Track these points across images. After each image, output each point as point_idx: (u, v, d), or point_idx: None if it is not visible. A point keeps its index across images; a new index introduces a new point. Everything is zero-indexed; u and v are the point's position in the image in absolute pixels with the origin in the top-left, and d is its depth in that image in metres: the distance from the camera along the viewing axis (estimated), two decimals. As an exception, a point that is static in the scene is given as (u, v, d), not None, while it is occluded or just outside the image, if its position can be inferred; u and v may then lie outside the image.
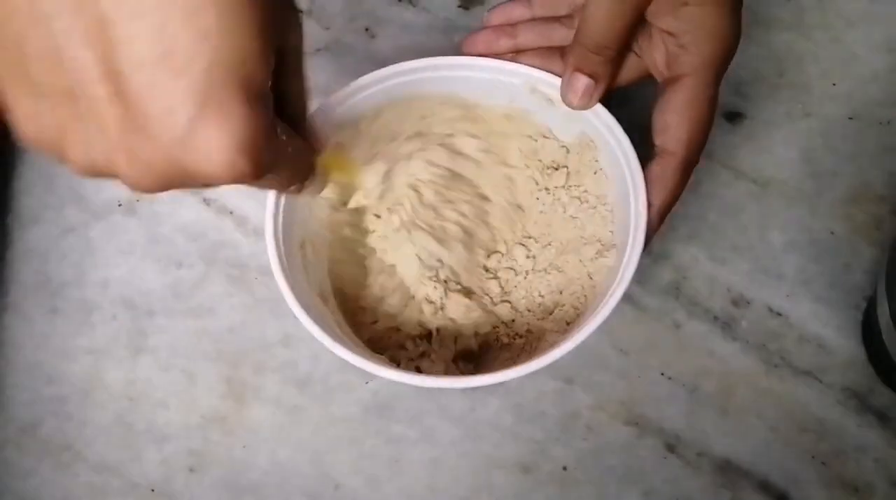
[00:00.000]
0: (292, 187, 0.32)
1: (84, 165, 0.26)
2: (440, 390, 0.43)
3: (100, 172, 0.26)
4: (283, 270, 0.37)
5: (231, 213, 0.47)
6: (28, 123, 0.25)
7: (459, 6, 0.52)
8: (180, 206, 0.47)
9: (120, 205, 0.48)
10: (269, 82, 0.26)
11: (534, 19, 0.43)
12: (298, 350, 0.44)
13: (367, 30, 0.51)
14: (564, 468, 0.42)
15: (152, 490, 0.43)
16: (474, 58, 0.41)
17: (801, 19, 0.50)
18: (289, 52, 0.29)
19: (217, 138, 0.24)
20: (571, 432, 0.43)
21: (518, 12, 0.43)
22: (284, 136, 0.29)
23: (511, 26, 0.42)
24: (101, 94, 0.24)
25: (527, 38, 0.42)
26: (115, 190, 0.48)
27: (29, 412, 0.44)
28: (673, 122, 0.38)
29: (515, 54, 0.41)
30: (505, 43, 0.42)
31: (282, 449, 0.43)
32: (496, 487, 0.42)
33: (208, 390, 0.44)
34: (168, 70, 0.23)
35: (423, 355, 0.41)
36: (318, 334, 0.36)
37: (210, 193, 0.47)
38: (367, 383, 0.44)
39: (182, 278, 0.46)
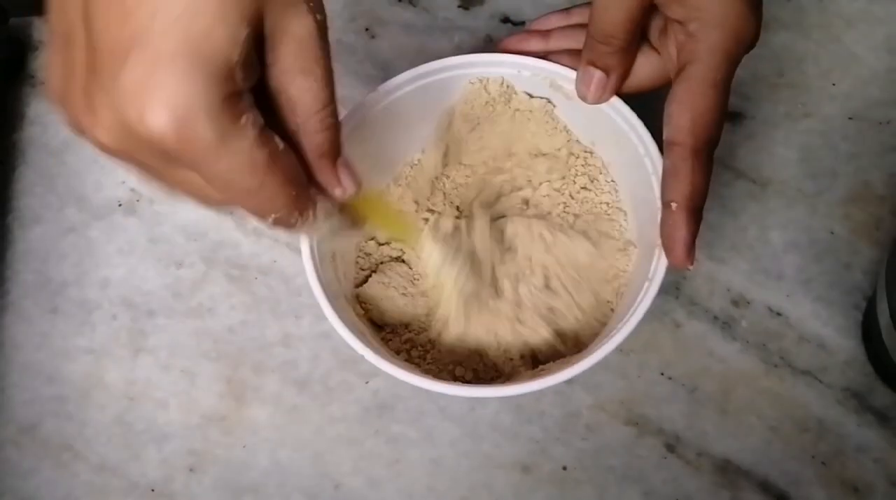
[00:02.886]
0: (276, 216, 0.29)
1: (70, 117, 0.27)
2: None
3: (76, 127, 0.27)
4: (315, 267, 0.38)
5: (231, 213, 0.47)
6: (48, 75, 0.27)
7: (459, 6, 0.52)
8: (180, 206, 0.47)
9: (120, 205, 0.48)
10: (236, 56, 0.25)
11: (570, 26, 0.43)
12: (298, 350, 0.44)
13: (367, 30, 0.51)
14: (564, 468, 0.42)
15: (152, 490, 0.43)
16: (494, 54, 0.42)
17: (800, 19, 0.50)
18: (285, 39, 0.27)
19: (160, 93, 0.24)
20: (571, 432, 0.43)
21: (556, 20, 0.44)
22: (265, 146, 0.27)
23: (546, 31, 0.43)
24: (78, 37, 0.25)
25: (559, 42, 0.42)
26: (115, 190, 0.48)
27: (29, 412, 0.44)
28: (675, 111, 0.37)
29: (546, 55, 0.41)
30: (536, 44, 0.43)
31: (282, 449, 0.43)
32: (496, 487, 0.42)
33: (208, 390, 0.44)
34: (126, 21, 0.24)
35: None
36: (338, 326, 0.36)
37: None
38: (367, 382, 0.44)
39: (182, 278, 0.46)
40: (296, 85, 0.28)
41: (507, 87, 0.42)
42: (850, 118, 0.48)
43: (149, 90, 0.24)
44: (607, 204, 0.44)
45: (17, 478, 0.43)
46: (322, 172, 0.30)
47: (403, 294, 0.42)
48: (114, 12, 0.24)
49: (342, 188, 0.31)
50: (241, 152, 0.26)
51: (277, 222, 0.29)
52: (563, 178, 0.44)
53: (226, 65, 0.25)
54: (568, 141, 0.44)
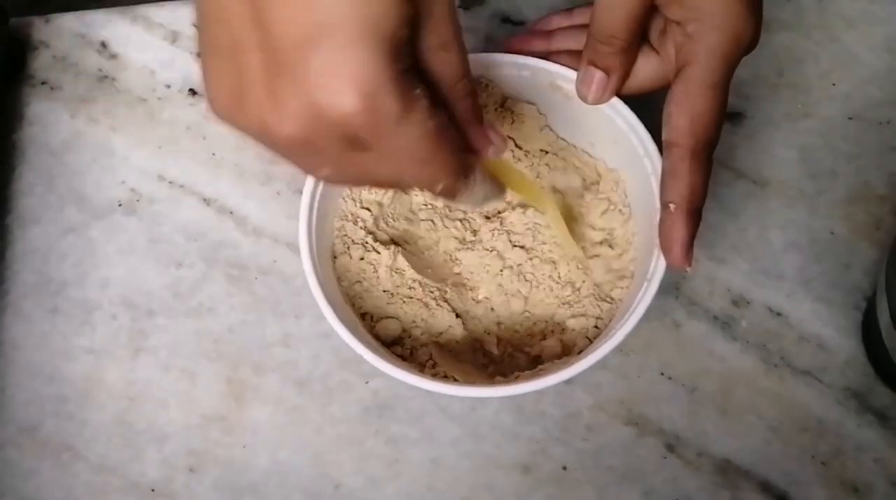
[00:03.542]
0: (444, 184, 0.31)
1: (249, 120, 0.28)
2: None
3: (258, 128, 0.28)
4: (315, 267, 0.38)
5: (231, 213, 0.47)
6: (211, 87, 0.28)
7: (460, 6, 0.51)
8: (180, 206, 0.47)
9: (120, 205, 0.48)
10: (403, 35, 0.27)
11: (572, 27, 0.43)
12: (298, 350, 0.44)
13: (367, 30, 0.51)
14: (564, 468, 0.42)
15: (152, 490, 0.43)
16: (494, 54, 0.42)
17: (800, 19, 0.50)
18: (430, 19, 0.29)
19: (339, 64, 0.26)
20: (571, 432, 0.43)
21: (557, 21, 0.44)
22: (436, 116, 0.28)
23: (548, 32, 0.43)
24: (250, 42, 0.26)
25: (561, 42, 0.43)
26: (115, 190, 0.48)
27: (29, 412, 0.44)
28: (674, 112, 0.37)
29: (548, 55, 0.41)
30: (538, 44, 0.43)
31: (282, 449, 0.43)
32: (496, 487, 0.42)
33: (208, 390, 0.44)
34: (307, 9, 0.25)
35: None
36: (340, 329, 0.36)
37: (211, 192, 0.47)
38: (366, 382, 0.44)
39: (182, 278, 0.46)
40: (439, 60, 0.30)
41: (491, 88, 0.42)
42: (850, 118, 0.48)
43: (338, 72, 0.26)
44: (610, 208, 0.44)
45: (17, 478, 0.43)
46: (475, 136, 0.32)
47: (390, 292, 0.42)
48: (291, 9, 0.26)
49: (494, 146, 0.33)
50: (419, 123, 0.28)
51: (444, 191, 0.31)
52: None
53: (400, 42, 0.27)
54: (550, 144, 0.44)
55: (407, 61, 0.28)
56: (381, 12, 0.26)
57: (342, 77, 0.26)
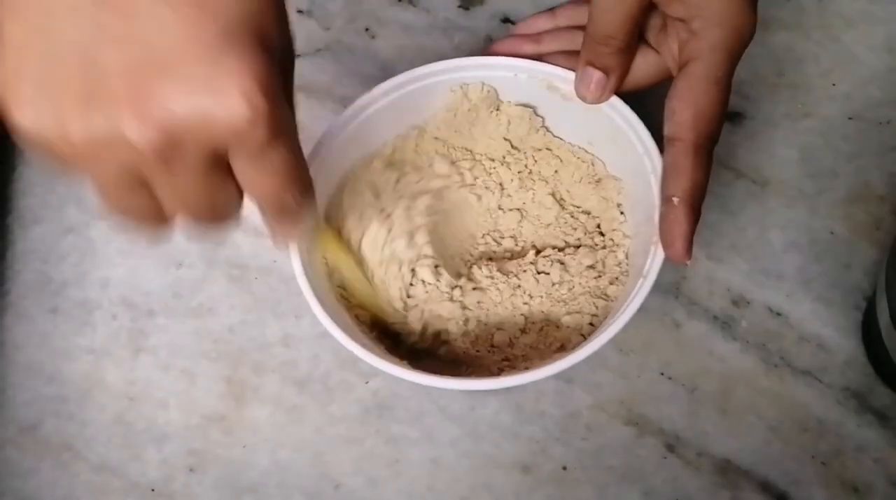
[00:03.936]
0: (297, 203, 0.30)
1: (85, 136, 0.25)
2: (440, 389, 0.43)
3: (101, 140, 0.25)
4: (304, 266, 0.38)
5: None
6: (27, 109, 0.25)
7: (459, 6, 0.52)
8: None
9: (120, 205, 0.48)
10: (282, 48, 0.27)
11: (558, 29, 0.43)
12: (298, 350, 0.44)
13: (367, 30, 0.51)
14: (564, 468, 0.42)
15: (152, 490, 0.43)
16: (489, 58, 0.42)
17: (800, 19, 0.50)
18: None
19: (236, 72, 0.25)
20: (571, 432, 0.43)
21: (542, 23, 0.44)
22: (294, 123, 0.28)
23: (536, 35, 0.43)
24: (114, 38, 0.24)
25: (551, 44, 0.43)
26: (115, 190, 0.48)
27: (29, 412, 0.44)
28: (677, 107, 0.37)
29: (540, 57, 0.41)
30: (527, 48, 0.43)
31: (282, 449, 0.43)
32: (496, 487, 0.42)
33: (208, 390, 0.44)
34: (198, 9, 0.24)
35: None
36: (329, 325, 0.36)
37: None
38: (367, 382, 0.44)
39: (182, 278, 0.46)
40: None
41: (489, 91, 0.42)
42: (850, 118, 0.48)
43: (240, 76, 0.25)
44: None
45: (17, 478, 0.43)
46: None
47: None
48: (181, 10, 0.24)
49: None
50: (295, 134, 0.28)
51: (295, 211, 0.30)
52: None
53: (280, 51, 0.27)
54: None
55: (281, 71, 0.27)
56: (272, 33, 0.26)
57: (243, 81, 0.25)
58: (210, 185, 0.27)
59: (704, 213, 0.45)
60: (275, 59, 0.26)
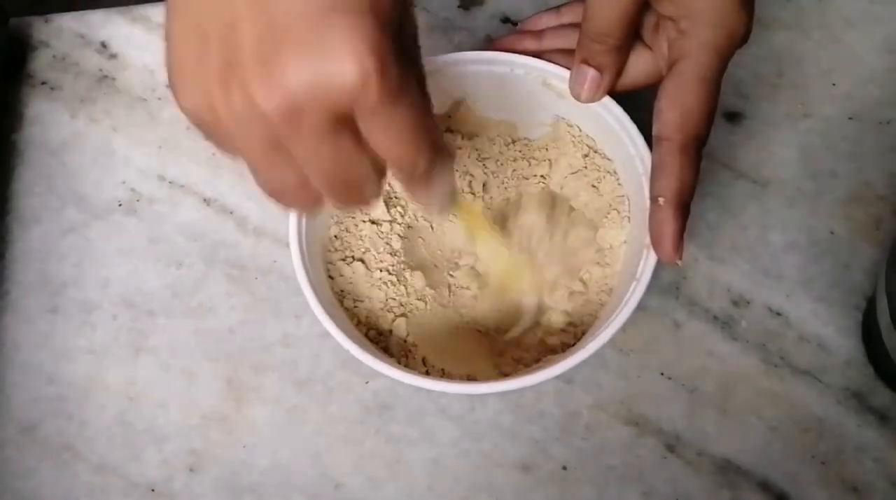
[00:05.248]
0: (425, 166, 0.30)
1: (228, 111, 0.27)
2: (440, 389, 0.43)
3: (241, 114, 0.27)
4: (305, 266, 0.38)
5: (231, 213, 0.47)
6: (185, 94, 0.28)
7: (459, 6, 0.52)
8: (180, 206, 0.47)
9: (120, 205, 0.48)
10: (399, 14, 0.27)
11: (561, 26, 0.43)
12: (298, 350, 0.44)
13: (367, 30, 0.51)
14: (564, 468, 0.42)
15: (152, 490, 0.43)
16: (486, 52, 0.42)
17: (801, 19, 0.50)
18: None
19: (346, 35, 0.26)
20: (571, 432, 0.43)
21: (546, 20, 0.44)
22: (417, 85, 0.29)
23: (538, 31, 0.43)
24: (246, 15, 0.26)
25: (552, 41, 0.43)
26: (115, 190, 0.48)
27: (29, 412, 0.44)
28: (665, 107, 0.37)
29: (540, 55, 0.41)
30: (529, 44, 0.43)
31: (282, 449, 0.43)
32: (496, 487, 0.42)
33: (208, 390, 0.44)
34: None
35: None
36: (329, 326, 0.36)
37: (211, 192, 0.47)
38: (366, 382, 0.44)
39: (182, 277, 0.46)
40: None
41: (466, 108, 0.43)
42: (850, 118, 0.48)
43: (349, 41, 0.26)
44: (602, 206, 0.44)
45: (17, 478, 0.43)
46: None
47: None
48: None
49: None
50: (416, 97, 0.28)
51: (426, 173, 0.30)
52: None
53: (397, 23, 0.27)
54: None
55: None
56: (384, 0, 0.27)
57: (354, 45, 0.26)
58: (341, 149, 0.28)
59: (705, 213, 0.46)
60: (386, 23, 0.27)
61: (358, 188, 0.30)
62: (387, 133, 0.28)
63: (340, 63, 0.26)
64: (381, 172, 0.30)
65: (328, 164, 0.28)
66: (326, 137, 0.27)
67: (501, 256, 0.41)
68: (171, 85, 0.28)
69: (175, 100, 0.28)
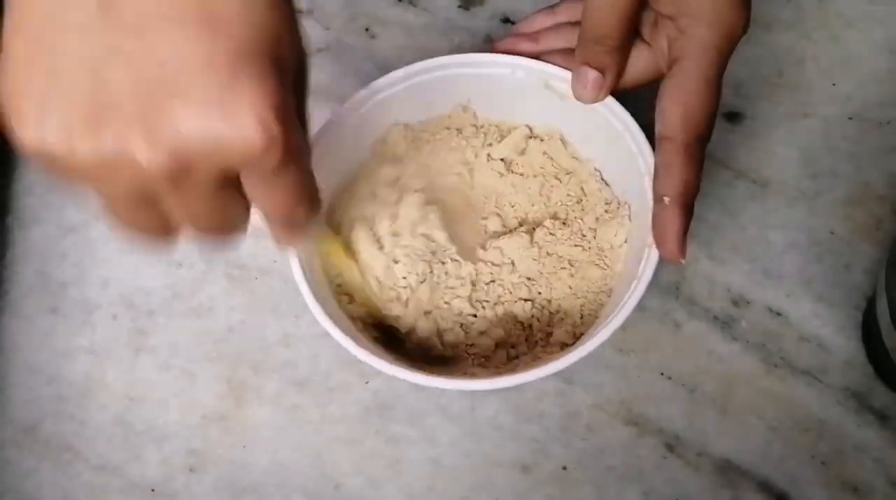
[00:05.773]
0: (306, 217, 0.30)
1: (93, 155, 0.24)
2: (440, 389, 0.43)
3: (109, 160, 0.25)
4: (302, 263, 0.38)
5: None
6: (31, 125, 0.25)
7: (459, 6, 0.52)
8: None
9: (120, 205, 0.48)
10: (296, 65, 0.27)
11: (557, 25, 0.43)
12: (298, 350, 0.44)
13: (367, 30, 0.51)
14: (564, 468, 0.42)
15: (152, 490, 0.43)
16: (487, 54, 0.42)
17: (801, 19, 0.50)
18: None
19: (251, 96, 0.24)
20: (571, 432, 0.43)
21: (541, 20, 0.44)
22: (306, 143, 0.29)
23: (535, 33, 0.43)
24: (124, 57, 0.24)
25: (549, 42, 0.43)
26: (115, 190, 0.48)
27: (29, 412, 0.44)
28: (667, 106, 0.37)
29: (538, 56, 0.41)
30: (527, 46, 0.43)
31: (282, 449, 0.43)
32: (496, 487, 0.42)
33: (208, 390, 0.44)
34: (211, 30, 0.24)
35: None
36: (328, 325, 0.36)
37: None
38: (366, 382, 0.44)
39: (182, 278, 0.46)
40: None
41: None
42: (850, 118, 0.48)
43: (259, 101, 0.24)
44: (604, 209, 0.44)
45: (17, 478, 0.43)
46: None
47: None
48: (190, 30, 0.24)
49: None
50: (308, 155, 0.28)
51: (300, 226, 0.30)
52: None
53: (290, 70, 0.27)
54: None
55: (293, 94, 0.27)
56: (286, 52, 0.26)
57: (260, 107, 0.24)
58: (220, 202, 0.27)
59: (705, 213, 0.46)
60: (289, 79, 0.26)
61: (229, 229, 0.29)
62: (274, 193, 0.28)
63: (242, 126, 0.24)
64: (249, 210, 0.29)
65: (203, 214, 0.27)
66: (209, 193, 0.26)
67: (361, 282, 0.41)
68: (8, 109, 0.25)
69: (9, 125, 0.25)
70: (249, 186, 0.27)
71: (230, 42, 0.24)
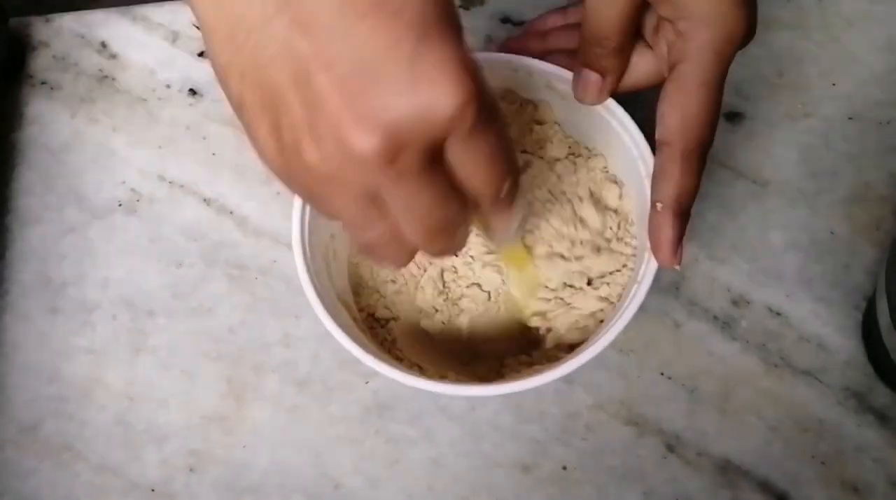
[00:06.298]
0: (508, 188, 0.30)
1: (318, 160, 0.26)
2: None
3: (333, 160, 0.26)
4: (307, 263, 0.38)
5: (231, 213, 0.47)
6: (267, 143, 0.27)
7: (460, 6, 0.51)
8: (180, 206, 0.47)
9: (120, 205, 0.48)
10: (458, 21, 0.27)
11: (566, 26, 0.43)
12: (298, 350, 0.44)
13: (367, 30, 0.51)
14: (564, 468, 0.42)
15: (152, 490, 0.43)
16: (490, 54, 0.42)
17: (801, 19, 0.50)
18: None
19: (440, 61, 0.25)
20: (571, 432, 0.43)
21: (553, 21, 0.44)
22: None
23: (544, 32, 0.44)
24: (323, 59, 0.25)
25: (557, 42, 0.43)
26: (115, 190, 0.48)
27: (29, 412, 0.44)
28: (666, 111, 0.36)
29: (544, 55, 0.41)
30: (535, 46, 0.43)
31: (282, 449, 0.43)
32: (496, 487, 0.42)
33: (208, 390, 0.44)
34: (384, 10, 0.25)
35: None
36: (330, 325, 0.36)
37: (211, 192, 0.47)
38: (366, 383, 0.44)
39: (182, 277, 0.46)
40: None
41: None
42: (850, 118, 0.48)
43: (444, 68, 0.25)
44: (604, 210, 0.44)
45: (17, 478, 0.43)
46: None
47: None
48: (379, 15, 0.25)
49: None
50: (502, 114, 0.29)
51: (508, 199, 0.30)
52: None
53: (461, 29, 0.27)
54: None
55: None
56: (450, 10, 0.26)
57: (449, 72, 0.25)
58: (437, 190, 0.28)
59: (705, 213, 0.46)
60: (462, 37, 0.26)
61: (452, 233, 0.30)
62: (479, 157, 0.28)
63: (440, 89, 0.25)
64: (468, 214, 0.30)
65: (426, 208, 0.28)
66: (424, 177, 0.27)
67: (525, 281, 0.41)
68: (259, 150, 0.27)
69: (263, 163, 0.27)
70: (456, 159, 0.28)
71: (401, 18, 0.25)
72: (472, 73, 0.26)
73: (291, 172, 0.27)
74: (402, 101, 0.25)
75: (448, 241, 0.30)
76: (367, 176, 0.26)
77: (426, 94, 0.25)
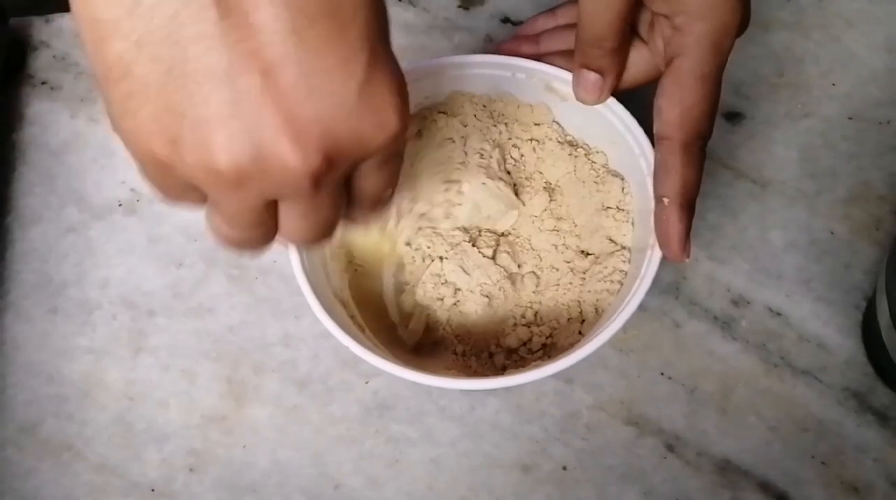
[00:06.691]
0: (390, 193, 0.30)
1: (235, 165, 0.24)
2: (440, 389, 0.43)
3: (253, 168, 0.24)
4: (303, 262, 0.38)
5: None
6: (146, 125, 0.24)
7: (459, 6, 0.52)
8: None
9: (120, 205, 0.48)
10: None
11: (557, 27, 0.43)
12: (298, 350, 0.44)
13: (367, 30, 0.51)
14: (564, 468, 0.42)
15: (152, 490, 0.43)
16: (488, 56, 0.42)
17: (800, 19, 0.50)
18: None
19: (387, 88, 0.25)
20: (571, 432, 0.43)
21: (542, 23, 0.44)
22: None
23: (536, 35, 0.43)
24: (263, 70, 0.23)
25: (549, 44, 0.43)
26: (115, 190, 0.48)
27: (29, 412, 0.44)
28: (664, 105, 0.37)
29: (539, 58, 0.41)
30: (527, 48, 0.43)
31: (282, 449, 0.43)
32: (496, 487, 0.42)
33: (208, 390, 0.44)
34: (338, 23, 0.24)
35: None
36: (328, 324, 0.36)
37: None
38: (366, 382, 0.44)
39: (182, 278, 0.46)
40: None
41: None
42: (850, 118, 0.48)
43: (388, 87, 0.25)
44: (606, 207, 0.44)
45: (17, 478, 0.43)
46: None
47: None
48: (329, 25, 0.24)
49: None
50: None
51: (382, 208, 0.31)
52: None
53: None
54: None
55: None
56: (387, 33, 0.26)
57: (394, 97, 0.25)
58: (337, 199, 0.28)
59: (705, 213, 0.46)
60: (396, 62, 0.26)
61: (327, 233, 0.29)
62: (387, 175, 0.28)
63: (382, 120, 0.25)
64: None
65: (322, 216, 0.28)
66: (336, 192, 0.27)
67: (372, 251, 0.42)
68: (126, 128, 0.25)
69: (128, 144, 0.26)
70: (365, 175, 0.28)
71: (353, 30, 0.24)
72: (407, 100, 0.26)
73: (179, 163, 0.25)
74: (345, 126, 0.25)
75: (327, 239, 0.30)
76: (282, 187, 0.25)
77: (370, 121, 0.25)
